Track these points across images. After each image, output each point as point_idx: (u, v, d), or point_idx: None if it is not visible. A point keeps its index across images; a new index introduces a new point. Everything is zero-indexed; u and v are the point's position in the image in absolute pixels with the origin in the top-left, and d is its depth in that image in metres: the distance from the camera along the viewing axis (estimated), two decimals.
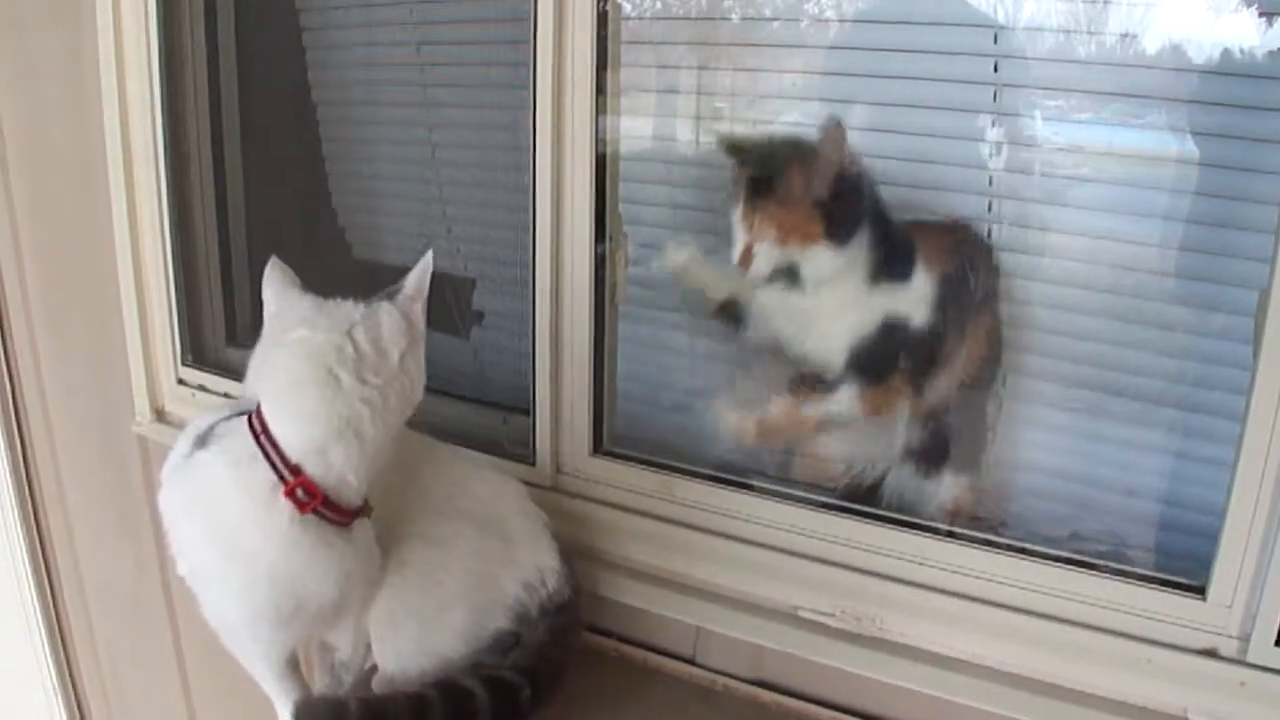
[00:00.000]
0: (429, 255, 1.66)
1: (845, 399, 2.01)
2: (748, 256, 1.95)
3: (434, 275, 1.66)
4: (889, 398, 2.03)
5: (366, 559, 1.65)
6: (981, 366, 2.00)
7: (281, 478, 1.53)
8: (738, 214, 1.96)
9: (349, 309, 1.63)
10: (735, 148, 2.07)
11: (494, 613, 1.80)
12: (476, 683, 1.71)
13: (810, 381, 2.05)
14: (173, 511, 1.65)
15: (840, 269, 1.95)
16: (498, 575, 1.82)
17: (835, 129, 1.92)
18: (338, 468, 1.56)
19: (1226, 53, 1.70)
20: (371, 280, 1.68)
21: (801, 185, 1.93)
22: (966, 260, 1.97)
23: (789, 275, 1.97)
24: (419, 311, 1.66)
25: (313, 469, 1.55)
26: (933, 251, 1.97)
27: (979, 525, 1.95)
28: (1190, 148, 1.81)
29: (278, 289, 1.68)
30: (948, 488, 2.04)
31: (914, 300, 1.96)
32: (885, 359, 2.00)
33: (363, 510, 1.63)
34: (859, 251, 1.94)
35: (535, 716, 1.75)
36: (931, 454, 2.05)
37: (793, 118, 2.14)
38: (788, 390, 2.09)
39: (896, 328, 1.97)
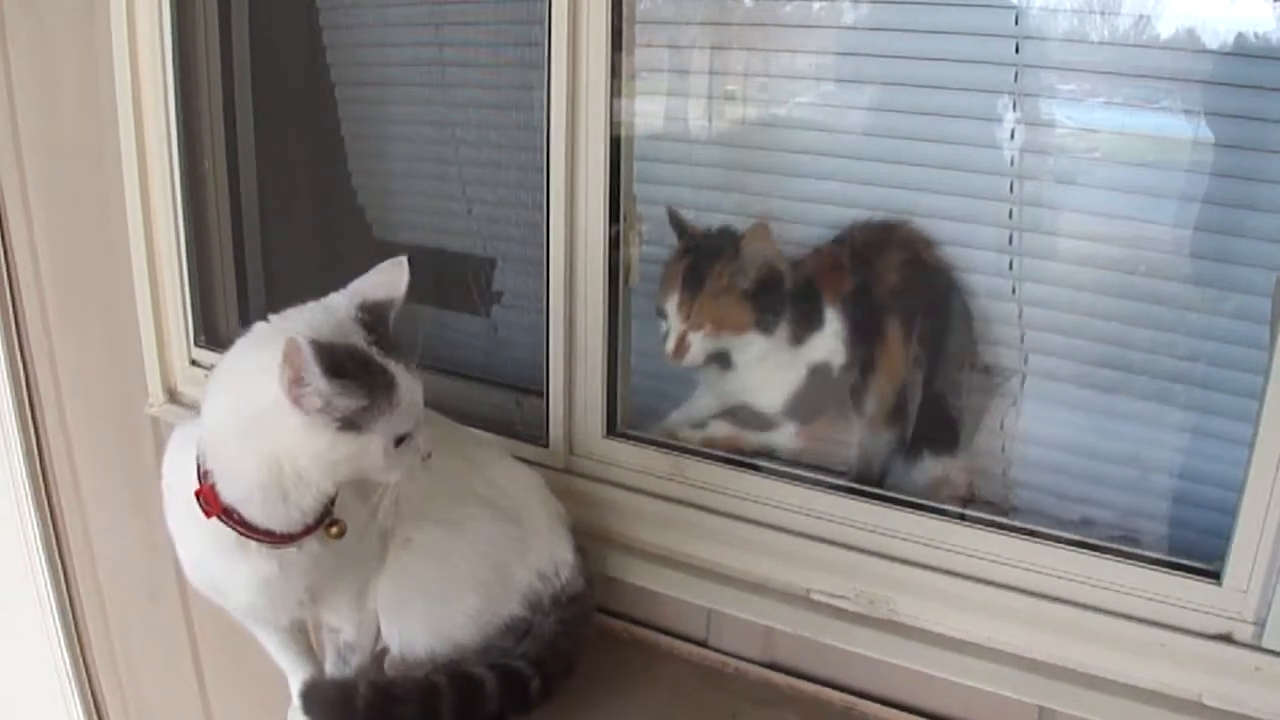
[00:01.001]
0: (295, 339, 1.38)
1: (785, 435, 2.15)
2: (682, 346, 2.07)
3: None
4: (827, 429, 2.16)
5: (303, 573, 1.59)
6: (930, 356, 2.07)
7: (198, 476, 1.51)
8: (673, 303, 2.08)
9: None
10: (679, 225, 2.14)
11: (506, 599, 1.80)
12: (486, 671, 1.71)
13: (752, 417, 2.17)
14: None
15: (768, 349, 2.09)
16: (512, 562, 1.82)
17: (760, 226, 2.05)
18: (239, 506, 1.50)
19: (1241, 36, 1.70)
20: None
21: (731, 278, 2.05)
22: (869, 273, 2.07)
23: (721, 359, 2.11)
24: (308, 397, 1.40)
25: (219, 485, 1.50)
26: (832, 286, 2.10)
27: (991, 508, 1.95)
28: (1205, 130, 1.81)
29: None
30: (933, 470, 2.08)
31: (831, 340, 2.10)
32: (817, 398, 2.13)
33: (304, 534, 1.54)
34: (783, 326, 2.07)
35: (544, 707, 1.76)
36: (918, 441, 2.10)
37: (807, 99, 2.13)
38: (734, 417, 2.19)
39: (821, 370, 2.10)
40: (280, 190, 2.86)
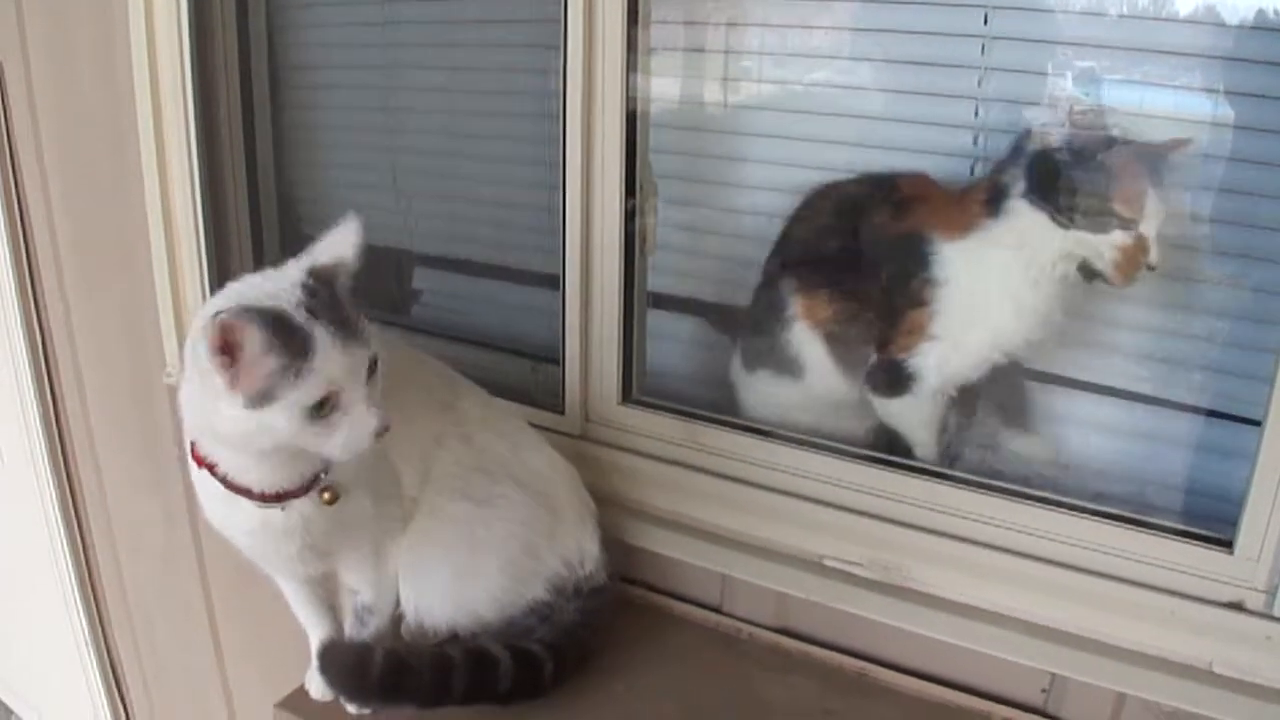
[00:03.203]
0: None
1: None
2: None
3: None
4: None
5: (297, 531, 1.58)
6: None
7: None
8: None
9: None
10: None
11: (531, 581, 1.82)
12: (502, 650, 1.73)
13: None
14: None
15: None
16: (539, 545, 1.83)
17: None
18: (209, 454, 1.52)
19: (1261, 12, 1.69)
20: None
21: None
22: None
23: None
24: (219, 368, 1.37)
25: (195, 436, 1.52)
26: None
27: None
28: (1225, 109, 1.79)
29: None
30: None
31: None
32: None
33: (288, 496, 1.54)
34: None
35: (555, 692, 1.78)
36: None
37: (821, 75, 2.13)
38: None
39: None
40: (297, 157, 2.86)
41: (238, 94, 2.73)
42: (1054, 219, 1.77)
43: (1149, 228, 1.73)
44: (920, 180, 1.96)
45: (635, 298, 2.18)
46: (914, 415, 2.01)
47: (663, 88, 2.16)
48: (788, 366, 2.08)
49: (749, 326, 2.20)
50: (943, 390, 1.97)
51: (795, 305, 2.05)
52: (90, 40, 2.70)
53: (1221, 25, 1.73)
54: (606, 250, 2.12)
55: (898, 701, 1.88)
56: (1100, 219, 1.75)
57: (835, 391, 2.07)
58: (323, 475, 1.56)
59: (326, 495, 1.56)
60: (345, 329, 1.42)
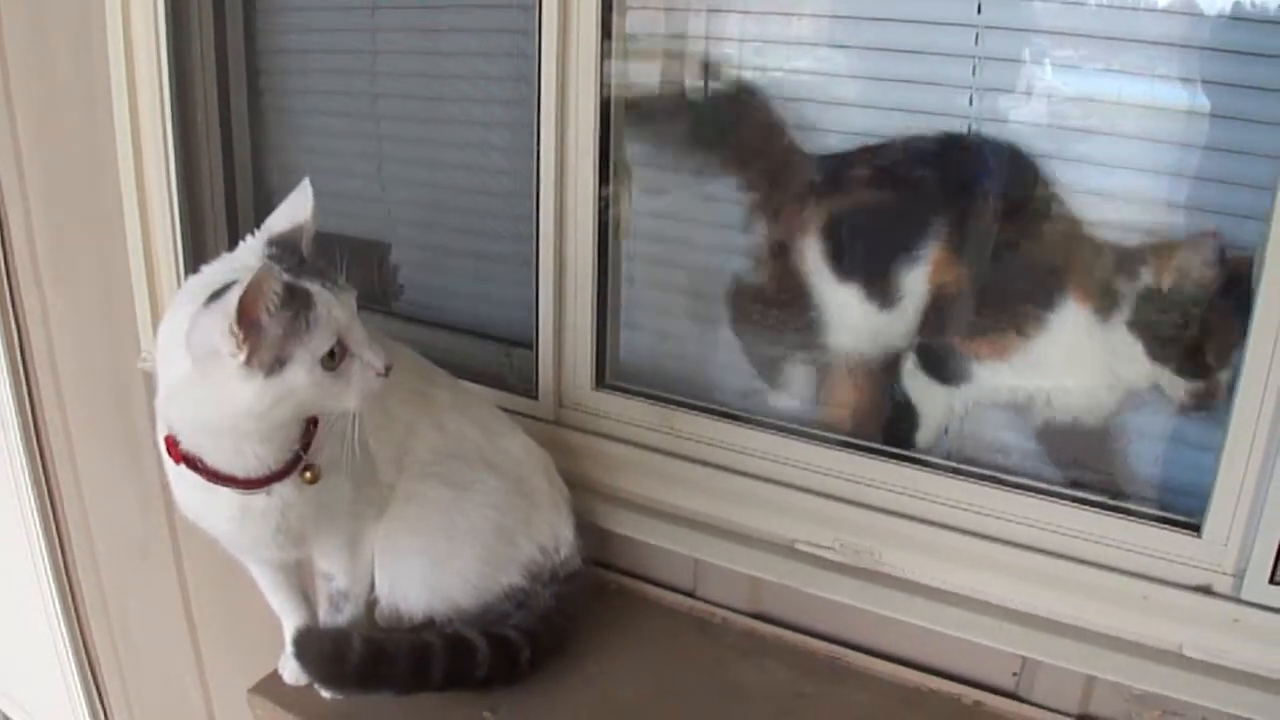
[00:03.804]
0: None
1: None
2: None
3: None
4: None
5: (277, 514, 1.59)
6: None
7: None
8: None
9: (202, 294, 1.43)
10: None
11: (507, 567, 1.83)
12: (479, 636, 1.74)
13: None
14: None
15: None
16: (515, 531, 1.84)
17: None
18: (195, 446, 1.51)
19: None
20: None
21: None
22: None
23: None
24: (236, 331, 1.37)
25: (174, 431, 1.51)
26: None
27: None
28: (1201, 99, 1.79)
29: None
30: None
31: None
32: None
33: (272, 479, 1.55)
34: None
35: (531, 678, 1.79)
36: None
37: (803, 63, 2.13)
38: None
39: None
40: (275, 144, 2.85)
41: (214, 79, 2.72)
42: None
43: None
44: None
45: (609, 283, 2.18)
46: (942, 402, 2.02)
47: (639, 72, 2.16)
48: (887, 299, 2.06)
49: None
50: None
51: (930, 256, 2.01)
52: (67, 26, 2.69)
53: (1199, 15, 1.74)
54: (580, 236, 2.12)
55: (869, 685, 1.89)
56: None
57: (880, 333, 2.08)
58: (303, 454, 1.56)
59: (308, 475, 1.57)
60: (328, 278, 1.46)
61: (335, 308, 1.45)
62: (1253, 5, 1.66)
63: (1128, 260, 1.81)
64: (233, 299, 1.33)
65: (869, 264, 2.02)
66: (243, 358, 1.37)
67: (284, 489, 1.56)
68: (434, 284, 2.67)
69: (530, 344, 2.24)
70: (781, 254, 2.11)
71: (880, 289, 2.01)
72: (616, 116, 2.12)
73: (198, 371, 1.40)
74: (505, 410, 2.00)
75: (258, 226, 1.54)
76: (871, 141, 2.01)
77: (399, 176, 2.69)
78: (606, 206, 2.13)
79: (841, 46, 2.06)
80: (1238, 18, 1.67)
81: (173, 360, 1.44)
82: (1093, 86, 1.83)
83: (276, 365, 1.40)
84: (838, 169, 2.06)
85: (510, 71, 2.25)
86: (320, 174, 2.64)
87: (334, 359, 1.44)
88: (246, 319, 1.35)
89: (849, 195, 2.04)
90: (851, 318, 2.06)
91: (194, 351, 1.39)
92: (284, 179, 2.79)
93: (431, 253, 2.67)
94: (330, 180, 2.74)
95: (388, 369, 1.50)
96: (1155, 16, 1.76)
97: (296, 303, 1.40)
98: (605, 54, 2.06)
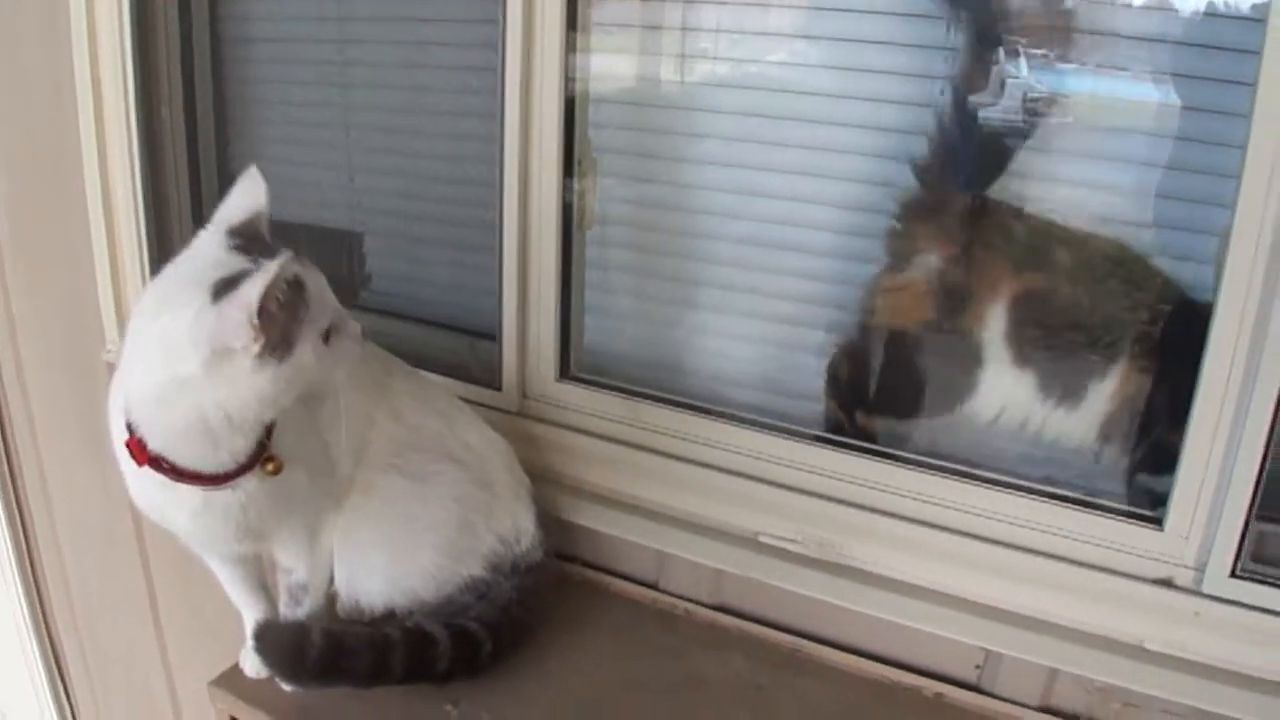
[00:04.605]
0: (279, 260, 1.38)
1: None
2: None
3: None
4: None
5: (239, 508, 1.58)
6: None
7: (126, 426, 1.50)
8: None
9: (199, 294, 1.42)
10: None
11: (468, 558, 1.82)
12: (440, 629, 1.73)
13: None
14: None
15: None
16: (475, 522, 1.83)
17: None
18: (161, 448, 1.50)
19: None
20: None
21: None
22: None
23: None
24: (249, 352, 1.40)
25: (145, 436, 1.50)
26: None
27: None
28: (1170, 95, 1.80)
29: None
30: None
31: None
32: None
33: (238, 473, 1.54)
34: None
35: (492, 665, 1.79)
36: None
37: (773, 53, 2.12)
38: None
39: None
40: (240, 135, 2.83)
41: (179, 71, 2.70)
42: None
43: None
44: None
45: (574, 274, 2.18)
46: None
47: (606, 64, 2.15)
48: None
49: None
50: None
51: None
52: (32, 17, 2.67)
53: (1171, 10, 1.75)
54: (544, 227, 2.12)
55: (831, 677, 1.89)
56: None
57: None
58: (266, 444, 1.56)
59: (271, 466, 1.56)
60: (301, 260, 1.46)
61: (322, 284, 1.50)
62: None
63: None
64: (254, 291, 1.34)
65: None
66: (258, 348, 1.38)
67: (246, 482, 1.55)
68: (403, 274, 2.65)
69: (494, 335, 2.23)
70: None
71: None
72: (581, 106, 2.11)
73: (208, 369, 1.40)
74: (469, 402, 2.00)
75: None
76: None
77: (369, 166, 2.67)
78: (572, 198, 2.13)
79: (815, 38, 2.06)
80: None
81: (164, 362, 1.43)
82: None
83: (286, 350, 1.42)
84: None
85: (480, 61, 2.23)
86: (289, 164, 2.68)
87: (327, 334, 1.49)
88: (263, 309, 1.36)
89: None
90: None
91: (207, 348, 1.39)
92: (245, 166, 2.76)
93: (401, 243, 2.66)
94: (299, 170, 2.73)
95: (364, 331, 1.57)
96: None
97: (295, 288, 1.42)
98: (571, 45, 2.05)
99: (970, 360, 1.96)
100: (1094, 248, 1.89)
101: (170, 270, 1.50)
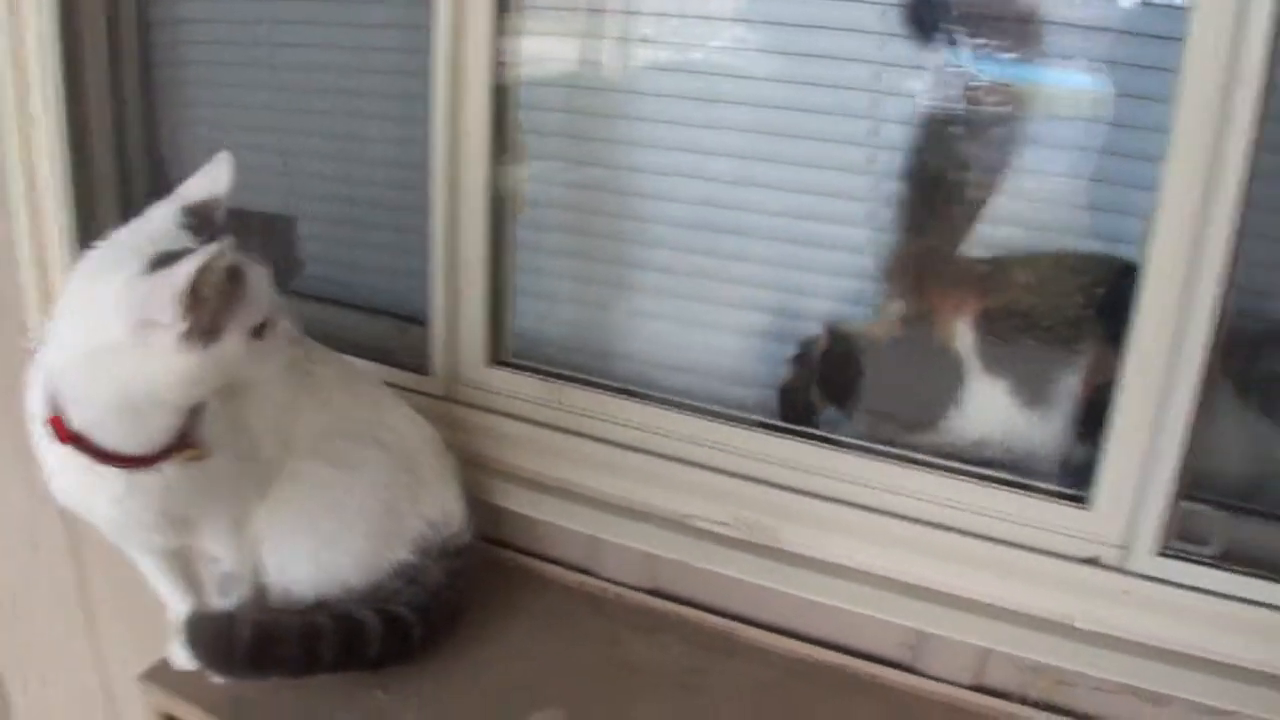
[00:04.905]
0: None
1: None
2: None
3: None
4: None
5: (160, 495, 1.56)
6: None
7: (48, 404, 1.49)
8: None
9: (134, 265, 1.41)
10: None
11: (396, 543, 1.81)
12: (370, 615, 1.72)
13: None
14: None
15: None
16: (403, 507, 1.82)
17: None
18: (84, 423, 1.48)
19: None
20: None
21: None
22: None
23: None
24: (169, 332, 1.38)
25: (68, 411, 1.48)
26: None
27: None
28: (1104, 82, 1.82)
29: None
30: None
31: None
32: None
33: (160, 457, 1.52)
34: None
35: (424, 652, 1.78)
36: None
37: (725, 42, 2.11)
38: None
39: None
40: (168, 120, 2.80)
41: (105, 52, 2.66)
42: None
43: None
44: None
45: (504, 259, 2.17)
46: None
47: (538, 47, 2.13)
48: None
49: None
50: None
51: None
52: None
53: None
54: (473, 212, 2.11)
55: (764, 659, 1.90)
56: None
57: None
58: (191, 428, 1.55)
59: (194, 452, 1.55)
60: (247, 251, 1.46)
61: (263, 280, 1.48)
62: None
63: None
64: (186, 271, 1.33)
65: None
66: (183, 329, 1.37)
67: (168, 468, 1.54)
68: (336, 258, 2.63)
69: (424, 320, 2.22)
70: None
71: None
72: (512, 90, 2.10)
73: (131, 339, 1.38)
74: (398, 387, 1.99)
75: (151, 203, 1.52)
76: None
77: (302, 149, 2.64)
78: (502, 182, 2.11)
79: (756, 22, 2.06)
80: None
81: (90, 328, 1.42)
82: None
83: (212, 337, 1.41)
84: None
85: (412, 42, 2.21)
86: (221, 147, 2.61)
87: (259, 330, 1.47)
88: (194, 291, 1.35)
89: None
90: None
91: (132, 318, 1.37)
92: (182, 152, 2.75)
93: (334, 227, 2.63)
94: (232, 153, 2.68)
95: (299, 336, 1.57)
96: None
97: (233, 277, 1.41)
98: (502, 27, 2.04)
99: (936, 355, 1.99)
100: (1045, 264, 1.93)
101: (116, 235, 1.49)
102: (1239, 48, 1.52)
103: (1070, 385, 1.89)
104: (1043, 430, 1.91)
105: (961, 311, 1.95)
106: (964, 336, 1.94)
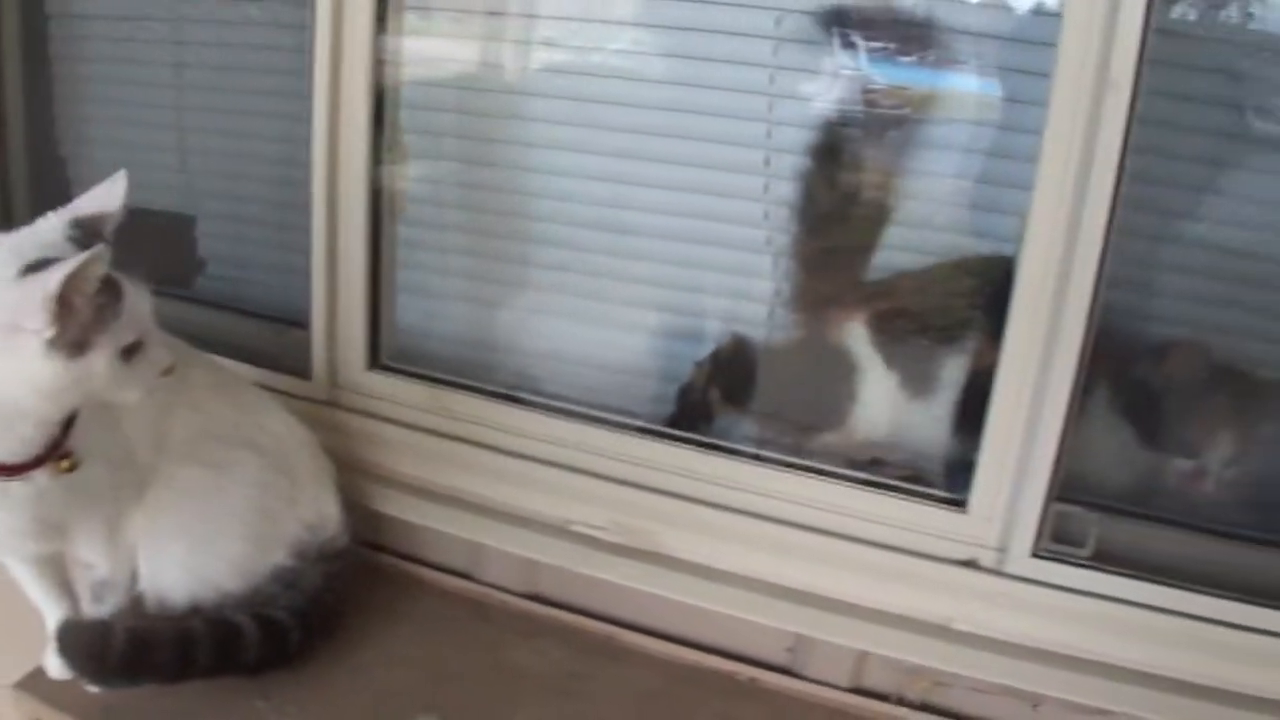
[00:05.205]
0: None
1: None
2: None
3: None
4: None
5: (31, 504, 1.53)
6: None
7: None
8: None
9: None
10: None
11: (272, 547, 1.80)
12: (246, 619, 1.71)
13: None
14: None
15: None
16: (279, 510, 1.82)
17: None
18: None
19: None
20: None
21: None
22: None
23: None
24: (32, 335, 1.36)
25: None
26: None
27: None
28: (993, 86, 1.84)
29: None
30: None
31: None
32: None
33: (32, 466, 1.50)
34: None
35: (303, 659, 1.77)
36: None
37: (619, 45, 2.10)
38: None
39: None
40: (49, 131, 2.75)
41: None
42: None
43: None
44: None
45: (384, 262, 2.15)
46: None
47: (423, 47, 2.12)
48: None
49: None
50: None
51: None
52: None
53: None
54: (353, 215, 2.09)
55: (645, 664, 1.90)
56: None
57: None
58: (62, 440, 1.52)
59: (65, 463, 1.53)
60: (132, 272, 1.45)
61: (141, 301, 1.47)
62: None
63: None
64: (58, 275, 1.31)
65: None
66: (49, 336, 1.35)
67: (39, 476, 1.51)
68: (225, 259, 2.59)
69: (304, 323, 2.20)
70: None
71: None
72: (392, 92, 2.08)
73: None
74: (279, 391, 1.98)
75: (36, 205, 1.51)
76: None
77: (200, 147, 2.60)
78: (383, 183, 2.10)
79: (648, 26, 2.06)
80: None
81: None
82: None
83: (79, 350, 1.39)
84: None
85: (299, 42, 2.18)
86: (119, 146, 2.60)
87: (130, 352, 1.45)
88: (63, 298, 1.33)
89: None
90: None
91: (0, 321, 1.35)
92: (78, 150, 2.69)
93: (224, 225, 2.59)
94: (130, 152, 2.64)
95: (171, 368, 1.53)
96: None
97: (109, 291, 1.40)
98: (382, 26, 2.02)
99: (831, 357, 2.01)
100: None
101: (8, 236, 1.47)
102: (1109, 53, 1.55)
103: (955, 387, 1.91)
104: (930, 433, 1.93)
105: (855, 313, 1.96)
106: (858, 338, 1.95)
